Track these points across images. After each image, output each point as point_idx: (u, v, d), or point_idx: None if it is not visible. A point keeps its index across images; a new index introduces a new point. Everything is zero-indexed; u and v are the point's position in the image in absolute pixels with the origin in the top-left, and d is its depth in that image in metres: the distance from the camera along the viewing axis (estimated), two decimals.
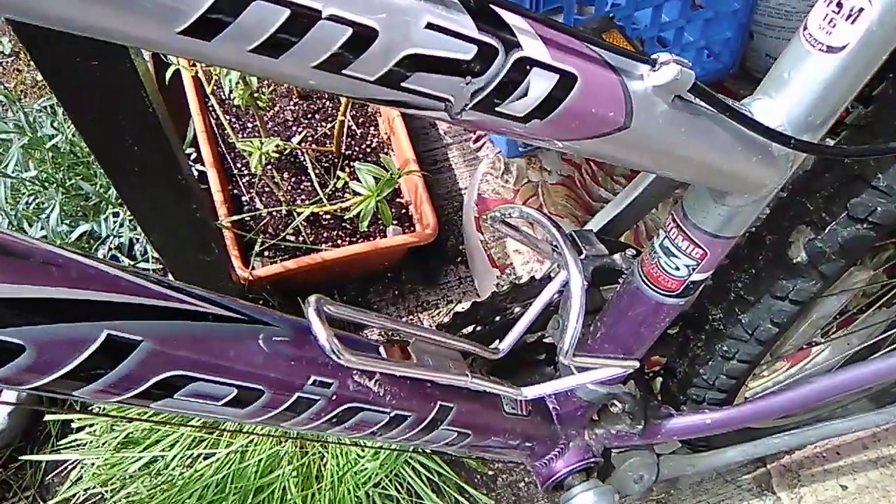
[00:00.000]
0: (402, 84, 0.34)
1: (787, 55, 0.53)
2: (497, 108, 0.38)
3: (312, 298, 0.51)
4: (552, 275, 0.76)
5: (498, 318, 0.81)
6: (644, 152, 0.47)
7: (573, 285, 0.58)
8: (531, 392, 0.68)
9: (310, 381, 0.52)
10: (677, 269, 0.64)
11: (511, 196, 1.47)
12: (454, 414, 0.66)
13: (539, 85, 0.38)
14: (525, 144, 1.46)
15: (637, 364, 0.68)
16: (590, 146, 0.44)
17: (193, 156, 1.22)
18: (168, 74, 1.13)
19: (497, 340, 0.80)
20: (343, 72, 0.32)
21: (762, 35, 1.61)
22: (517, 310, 0.82)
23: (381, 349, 0.59)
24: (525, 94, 0.38)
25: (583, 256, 0.77)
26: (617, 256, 0.79)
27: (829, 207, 0.69)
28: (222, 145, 1.40)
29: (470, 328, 0.82)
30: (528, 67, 0.37)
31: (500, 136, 1.47)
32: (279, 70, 0.31)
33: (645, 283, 0.67)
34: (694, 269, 0.64)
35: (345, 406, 0.56)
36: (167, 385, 0.45)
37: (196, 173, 1.18)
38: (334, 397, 0.54)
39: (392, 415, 0.60)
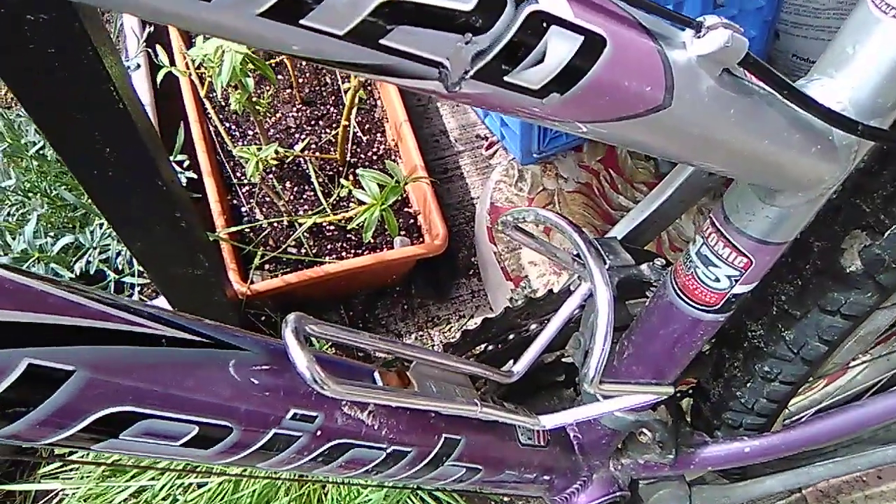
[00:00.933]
0: (382, 42, 0.26)
1: (850, 26, 0.45)
2: (506, 78, 0.30)
3: (291, 317, 0.43)
4: (572, 288, 0.68)
5: (512, 337, 0.73)
6: (684, 138, 0.39)
7: (599, 300, 0.49)
8: (550, 421, 0.60)
9: (289, 415, 0.44)
10: (717, 280, 0.56)
11: (525, 205, 1.39)
12: (462, 448, 0.58)
13: (559, 48, 0.30)
14: (540, 150, 1.39)
15: (671, 390, 0.60)
16: (620, 130, 0.36)
17: (186, 163, 1.15)
18: (160, 77, 1.07)
19: (511, 361, 0.72)
20: (301, 22, 0.25)
21: (789, 34, 1.52)
22: (533, 327, 0.73)
23: (377, 375, 0.51)
24: (541, 60, 0.30)
25: (606, 267, 0.69)
26: (644, 267, 0.70)
27: (888, 209, 0.61)
28: (221, 154, 1.33)
29: (481, 348, 0.74)
30: (544, 25, 0.29)
31: (514, 142, 1.40)
32: (214, 19, 0.24)
33: (679, 296, 0.59)
34: (737, 281, 0.56)
35: (332, 443, 0.48)
36: (110, 423, 0.37)
37: (185, 180, 1.11)
38: (319, 433, 0.46)
39: (389, 451, 0.52)
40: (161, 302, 1.00)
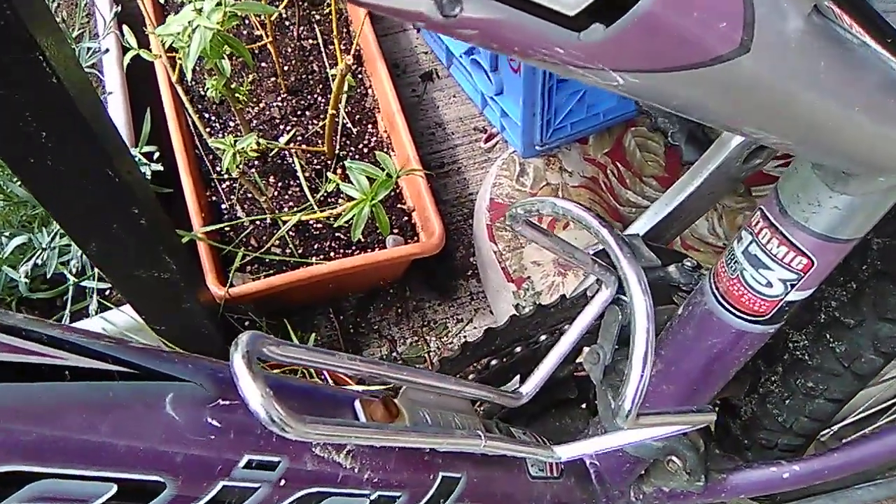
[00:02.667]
0: None
1: None
2: None
3: (243, 338, 0.33)
4: (589, 293, 0.59)
5: (519, 350, 0.63)
6: (755, 98, 0.29)
7: (637, 312, 0.40)
8: (568, 452, 0.50)
9: (242, 463, 0.35)
10: (769, 284, 0.46)
11: None
12: (463, 487, 0.48)
13: None
14: (543, 142, 1.29)
15: (714, 417, 0.50)
16: (673, 84, 0.26)
17: (157, 154, 1.05)
18: (127, 59, 0.97)
19: (517, 378, 0.62)
20: None
21: None
22: (543, 338, 0.64)
23: (358, 405, 0.41)
24: None
25: None
26: (672, 268, 0.61)
27: None
28: (200, 147, 1.23)
29: (483, 362, 0.64)
30: None
31: (515, 133, 1.30)
32: None
33: (721, 304, 0.49)
34: (793, 286, 0.46)
35: (301, 493, 0.38)
36: None
37: (150, 173, 1.01)
38: (283, 482, 0.37)
39: (374, 497, 0.42)
40: (127, 309, 0.90)
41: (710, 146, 0.68)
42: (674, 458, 0.60)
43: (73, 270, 0.88)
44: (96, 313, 0.89)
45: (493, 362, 0.63)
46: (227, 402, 0.35)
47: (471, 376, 0.64)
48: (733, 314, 0.49)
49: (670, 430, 0.48)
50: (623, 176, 1.38)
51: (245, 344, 0.33)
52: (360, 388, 1.06)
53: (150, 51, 1.02)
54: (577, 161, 1.36)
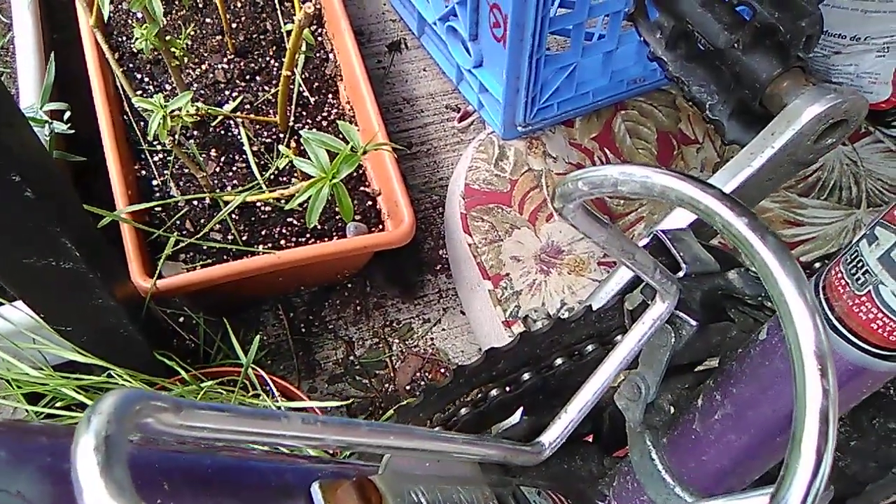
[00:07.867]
0: None
1: None
2: None
3: (105, 404, 0.17)
4: (628, 306, 0.44)
5: (528, 377, 0.48)
6: None
7: (804, 349, 0.23)
8: None
9: None
10: None
11: (507, 188, 1.15)
12: None
13: None
14: (526, 122, 1.15)
15: (832, 495, 0.36)
16: None
17: (68, 114, 0.87)
18: None
19: (519, 410, 0.47)
20: None
21: (825, 5, 1.31)
22: (558, 362, 0.49)
23: (317, 492, 0.25)
24: None
25: (682, 273, 0.44)
26: (732, 275, 0.46)
27: None
28: (129, 113, 1.05)
29: (478, 392, 0.49)
30: None
31: (495, 112, 1.16)
32: None
33: (838, 329, 0.35)
34: None
35: None
36: None
37: (47, 133, 0.83)
38: None
39: None
40: (19, 305, 0.72)
41: (771, 121, 0.54)
42: None
43: None
44: None
45: (494, 392, 0.48)
46: None
47: (462, 410, 0.48)
48: (854, 344, 0.34)
49: None
50: (611, 163, 1.23)
51: (107, 419, 0.16)
52: (317, 404, 0.90)
53: None
54: (561, 146, 1.21)
